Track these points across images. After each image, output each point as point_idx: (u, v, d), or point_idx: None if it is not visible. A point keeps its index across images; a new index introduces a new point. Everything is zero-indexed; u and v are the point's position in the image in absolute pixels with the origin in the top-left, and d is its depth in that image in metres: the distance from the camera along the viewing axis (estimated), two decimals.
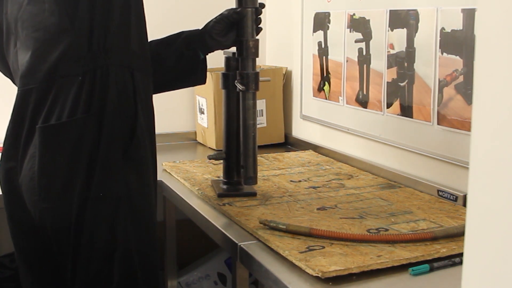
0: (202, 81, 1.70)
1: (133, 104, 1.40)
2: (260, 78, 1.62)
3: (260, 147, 1.79)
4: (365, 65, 1.98)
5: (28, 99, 1.36)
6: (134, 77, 1.40)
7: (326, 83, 2.19)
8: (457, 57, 1.61)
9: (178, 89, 1.80)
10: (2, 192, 1.45)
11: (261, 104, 2.34)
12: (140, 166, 1.43)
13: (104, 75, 1.35)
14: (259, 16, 1.64)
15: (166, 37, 1.67)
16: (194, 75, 1.68)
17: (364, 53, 1.97)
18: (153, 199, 1.49)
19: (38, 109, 1.35)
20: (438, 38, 1.66)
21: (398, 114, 1.84)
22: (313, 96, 2.28)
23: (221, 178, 1.77)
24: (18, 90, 1.39)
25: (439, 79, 1.68)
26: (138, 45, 1.44)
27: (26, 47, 1.37)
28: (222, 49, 1.69)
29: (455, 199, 1.62)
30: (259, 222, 1.42)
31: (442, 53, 1.66)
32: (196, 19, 1.79)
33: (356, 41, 2.01)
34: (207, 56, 1.68)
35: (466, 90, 1.59)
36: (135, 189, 1.41)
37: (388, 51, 1.86)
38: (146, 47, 1.49)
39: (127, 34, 1.40)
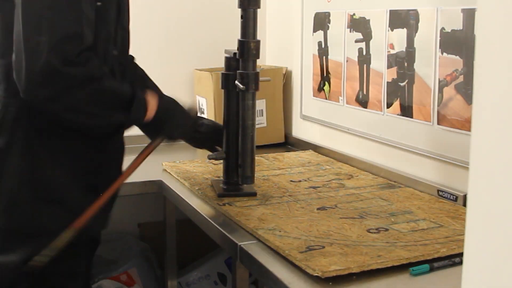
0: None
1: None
2: (260, 78, 1.63)
3: (260, 147, 1.79)
4: (365, 65, 1.98)
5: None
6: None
7: (326, 83, 2.19)
8: (457, 57, 1.61)
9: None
10: None
11: (261, 104, 2.34)
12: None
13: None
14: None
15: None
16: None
17: (364, 53, 1.97)
18: None
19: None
20: (438, 38, 1.66)
21: (398, 114, 1.84)
22: (313, 96, 2.28)
23: (221, 178, 1.77)
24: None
25: (439, 79, 1.68)
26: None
27: None
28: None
29: (455, 199, 1.62)
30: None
31: (442, 53, 1.66)
32: (197, 19, 1.79)
33: (356, 41, 2.01)
34: (207, 55, 1.68)
35: (466, 90, 1.59)
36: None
37: (388, 51, 1.86)
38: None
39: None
